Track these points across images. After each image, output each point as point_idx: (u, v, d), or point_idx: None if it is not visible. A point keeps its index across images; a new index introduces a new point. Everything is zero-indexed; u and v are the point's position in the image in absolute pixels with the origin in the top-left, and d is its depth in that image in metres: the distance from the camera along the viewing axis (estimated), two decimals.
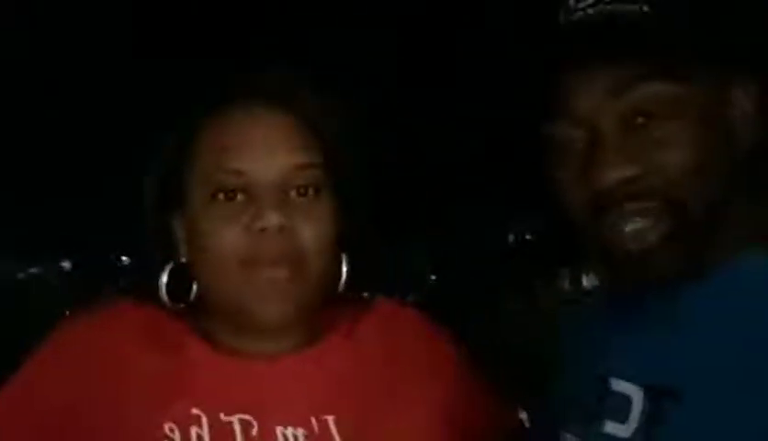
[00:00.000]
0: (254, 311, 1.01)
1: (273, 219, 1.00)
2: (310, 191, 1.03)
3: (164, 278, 1.06)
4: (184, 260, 1.06)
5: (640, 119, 0.81)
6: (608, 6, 0.82)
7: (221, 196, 1.02)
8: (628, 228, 0.82)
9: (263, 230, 1.00)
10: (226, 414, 1.02)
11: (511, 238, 7.21)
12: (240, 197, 1.02)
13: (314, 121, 1.05)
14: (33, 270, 9.00)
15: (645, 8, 0.81)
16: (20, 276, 8.77)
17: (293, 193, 1.03)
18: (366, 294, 1.10)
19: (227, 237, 1.01)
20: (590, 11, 0.82)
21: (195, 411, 1.01)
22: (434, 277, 6.96)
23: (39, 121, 6.33)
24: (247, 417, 1.02)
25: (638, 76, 0.80)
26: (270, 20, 5.68)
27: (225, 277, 1.01)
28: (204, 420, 1.01)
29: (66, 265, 8.89)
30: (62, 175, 6.67)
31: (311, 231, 1.02)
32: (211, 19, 5.53)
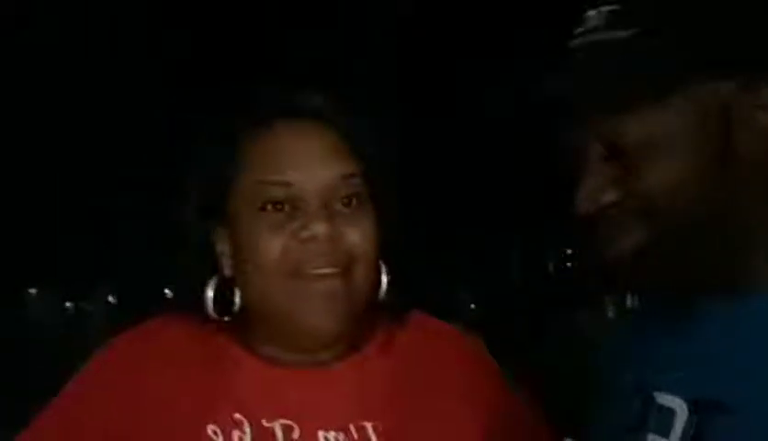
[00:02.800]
0: (305, 321, 1.01)
1: (321, 227, 1.01)
2: (354, 201, 1.05)
3: (211, 293, 1.07)
4: (227, 273, 1.07)
5: (623, 146, 0.82)
6: (599, 35, 0.83)
7: (269, 207, 1.04)
8: (620, 245, 0.83)
9: (311, 238, 1.02)
10: (268, 420, 1.03)
11: (551, 267, 7.16)
12: (287, 208, 1.04)
13: (354, 135, 1.07)
14: (80, 304, 9.13)
15: (630, 32, 0.82)
16: (67, 308, 8.89)
17: (338, 204, 1.05)
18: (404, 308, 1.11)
19: (275, 247, 1.02)
20: (580, 41, 0.84)
21: (237, 416, 1.02)
22: (473, 306, 6.94)
23: (88, 156, 6.45)
24: (288, 422, 1.03)
25: (620, 109, 0.82)
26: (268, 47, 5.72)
27: (275, 288, 1.02)
28: (246, 425, 1.02)
29: (112, 299, 9.00)
30: (109, 209, 6.77)
31: (358, 238, 1.03)
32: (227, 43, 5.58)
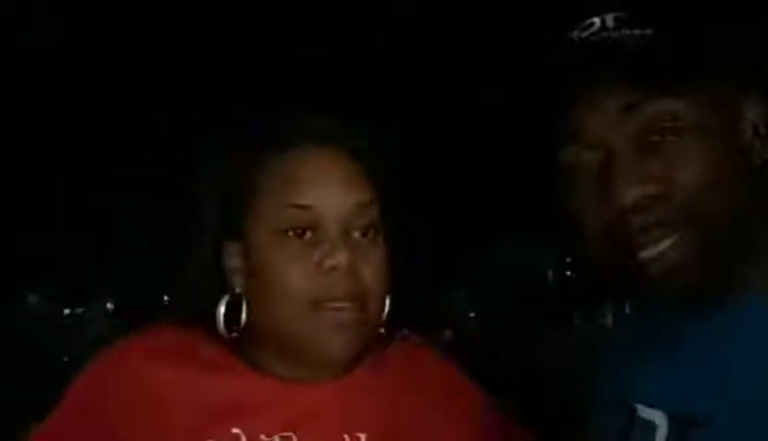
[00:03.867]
0: (321, 348, 1.03)
1: (343, 257, 1.03)
2: (371, 231, 1.07)
3: (222, 310, 1.08)
4: (238, 290, 1.08)
5: (654, 137, 0.81)
6: (613, 33, 0.83)
7: (291, 232, 1.04)
8: (648, 250, 0.80)
9: (333, 268, 1.03)
10: (267, 435, 1.04)
11: (549, 273, 7.16)
12: (308, 234, 1.04)
13: (370, 163, 1.09)
14: (77, 311, 9.12)
15: (650, 31, 0.81)
16: (65, 315, 8.89)
17: (356, 232, 1.06)
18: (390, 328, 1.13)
19: (297, 275, 1.03)
20: (593, 39, 0.83)
21: (235, 430, 1.04)
22: (473, 314, 6.93)
23: (87, 165, 6.45)
24: (287, 434, 1.05)
25: (650, 94, 0.80)
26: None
27: (293, 314, 1.03)
28: (244, 439, 1.04)
29: (110, 305, 9.00)
30: (106, 216, 6.77)
31: (374, 271, 1.05)
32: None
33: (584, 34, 0.84)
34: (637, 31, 0.82)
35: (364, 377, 1.10)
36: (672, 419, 0.83)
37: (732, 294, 0.83)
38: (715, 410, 0.79)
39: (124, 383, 1.09)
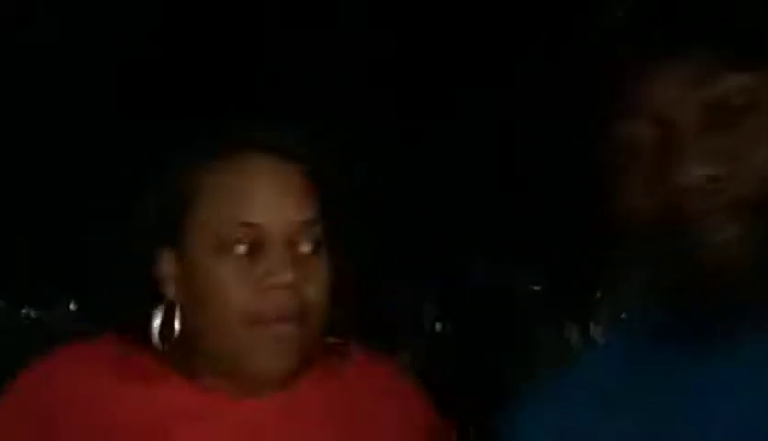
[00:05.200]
0: (256, 365, 1.02)
1: (286, 277, 1.01)
2: (314, 247, 1.04)
3: (158, 320, 1.06)
4: (170, 297, 1.06)
5: (724, 114, 0.72)
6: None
7: (231, 247, 1.01)
8: (715, 238, 0.71)
9: (274, 287, 1.01)
10: None
11: (517, 289, 7.17)
12: (246, 250, 1.01)
13: (317, 175, 1.06)
14: (38, 312, 8.99)
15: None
16: (24, 316, 8.75)
17: (299, 248, 1.02)
18: (342, 340, 1.11)
19: (237, 291, 1.00)
20: None
21: None
22: (439, 326, 6.92)
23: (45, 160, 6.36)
24: None
25: (721, 66, 0.71)
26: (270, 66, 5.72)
27: (228, 331, 1.01)
28: None
29: (72, 306, 8.87)
30: (67, 216, 6.69)
31: (315, 287, 1.04)
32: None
33: None
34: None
35: (306, 391, 1.08)
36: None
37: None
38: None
39: (65, 383, 1.05)
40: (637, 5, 0.75)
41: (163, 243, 1.08)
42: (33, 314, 8.86)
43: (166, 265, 1.08)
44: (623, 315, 0.87)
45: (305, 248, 1.05)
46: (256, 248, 1.02)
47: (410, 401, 1.16)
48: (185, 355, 1.07)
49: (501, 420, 0.90)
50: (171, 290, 1.08)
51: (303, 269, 1.04)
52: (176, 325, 1.07)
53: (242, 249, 1.02)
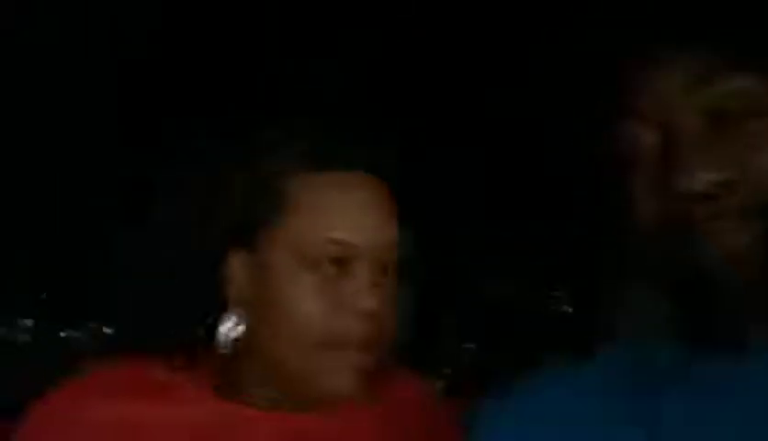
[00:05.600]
0: (324, 387, 1.00)
1: (372, 302, 0.98)
2: (391, 269, 1.01)
3: (230, 323, 1.01)
4: (232, 302, 1.02)
5: (727, 118, 0.70)
6: None
7: (315, 262, 0.98)
8: (721, 244, 0.69)
9: (359, 313, 0.98)
10: None
11: (547, 308, 7.11)
12: (333, 267, 0.98)
13: (401, 196, 1.03)
14: (73, 333, 9.03)
15: None
16: (61, 337, 8.80)
17: (383, 271, 1.02)
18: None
19: (315, 311, 0.97)
20: None
21: None
22: (471, 346, 6.88)
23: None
24: None
25: (725, 69, 0.70)
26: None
27: (300, 348, 0.99)
28: None
29: (108, 330, 8.89)
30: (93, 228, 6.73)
31: (391, 314, 1.00)
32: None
33: None
34: None
35: (354, 411, 1.06)
36: None
37: None
38: None
39: (66, 427, 1.01)
40: (639, 7, 0.73)
41: (237, 242, 1.03)
42: (62, 334, 8.91)
43: (235, 267, 1.04)
44: (629, 323, 0.86)
45: (388, 271, 1.02)
46: (343, 266, 1.00)
47: (443, 425, 1.14)
48: (222, 369, 1.05)
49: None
50: (234, 294, 1.02)
51: (382, 294, 1.01)
52: (238, 331, 1.03)
53: (328, 266, 0.99)
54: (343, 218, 1.00)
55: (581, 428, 0.80)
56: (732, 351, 0.75)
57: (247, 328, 1.03)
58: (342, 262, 0.99)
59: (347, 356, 0.98)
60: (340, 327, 0.98)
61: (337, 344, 0.98)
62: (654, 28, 0.71)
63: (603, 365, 0.85)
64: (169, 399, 1.03)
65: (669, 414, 0.75)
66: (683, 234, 0.70)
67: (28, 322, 8.41)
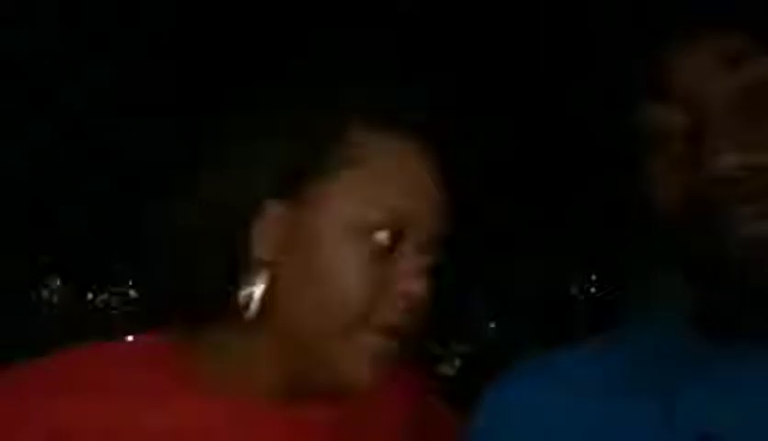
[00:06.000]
0: (342, 374, 0.87)
1: (421, 286, 0.87)
2: (432, 245, 0.90)
3: (263, 285, 0.85)
4: (259, 258, 0.86)
5: (757, 99, 0.66)
6: None
7: (365, 230, 0.85)
8: (747, 230, 0.65)
9: (406, 295, 0.87)
10: None
11: (574, 290, 7.08)
12: (385, 244, 0.85)
13: (444, 166, 0.92)
14: (100, 297, 9.13)
15: None
16: (88, 300, 8.89)
17: (430, 251, 0.90)
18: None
19: (359, 287, 0.84)
20: None
21: None
22: (492, 325, 6.87)
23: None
24: None
25: (756, 49, 0.66)
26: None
27: (331, 328, 0.85)
28: None
29: (132, 293, 8.97)
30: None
31: (425, 299, 0.89)
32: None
33: None
34: None
35: (356, 404, 0.95)
36: None
37: None
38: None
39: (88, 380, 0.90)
40: None
41: (278, 192, 0.87)
42: (97, 299, 9.00)
43: (269, 221, 0.87)
44: (652, 306, 0.83)
45: (432, 251, 0.89)
46: (394, 240, 0.86)
47: (442, 424, 1.07)
48: (229, 348, 0.91)
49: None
50: (263, 254, 0.87)
51: (427, 279, 0.90)
52: (258, 293, 0.85)
53: (381, 235, 0.85)
54: (409, 185, 0.88)
55: (595, 401, 0.78)
56: (755, 335, 0.72)
57: (269, 296, 0.87)
58: (396, 234, 0.86)
59: (376, 343, 0.86)
60: (380, 309, 0.86)
61: (371, 326, 0.86)
62: (686, 7, 0.68)
63: (624, 346, 0.84)
64: (163, 403, 0.91)
65: (686, 393, 0.73)
66: (708, 217, 0.67)
67: (54, 285, 8.52)
